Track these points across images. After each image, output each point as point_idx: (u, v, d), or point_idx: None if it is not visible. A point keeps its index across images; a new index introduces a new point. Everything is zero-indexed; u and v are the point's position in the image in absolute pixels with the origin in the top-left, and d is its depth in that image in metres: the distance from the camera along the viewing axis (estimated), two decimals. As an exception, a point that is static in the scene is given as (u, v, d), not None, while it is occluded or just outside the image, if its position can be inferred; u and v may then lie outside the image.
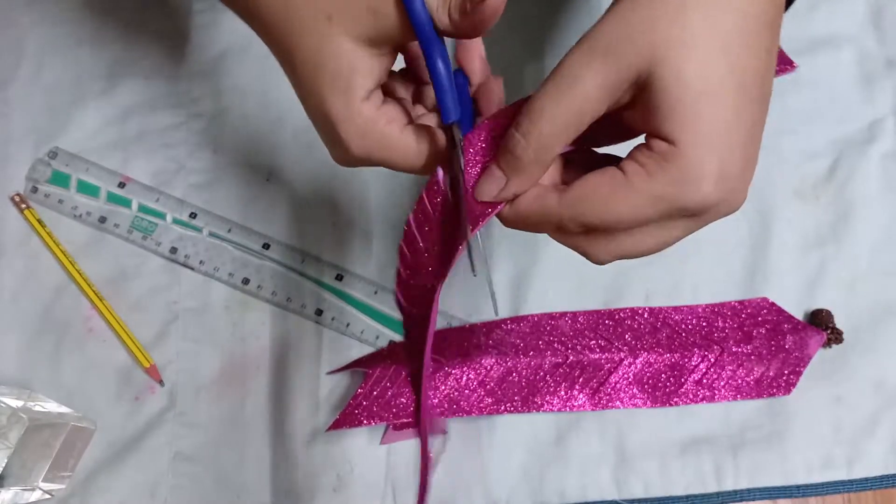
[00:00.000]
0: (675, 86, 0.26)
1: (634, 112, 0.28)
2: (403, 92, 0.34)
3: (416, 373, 0.35)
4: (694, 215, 0.28)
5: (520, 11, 0.51)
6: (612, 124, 0.29)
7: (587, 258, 0.30)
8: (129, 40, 0.53)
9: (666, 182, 0.27)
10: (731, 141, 0.27)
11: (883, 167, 0.50)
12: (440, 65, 0.29)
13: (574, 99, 0.27)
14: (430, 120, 0.33)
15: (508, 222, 0.31)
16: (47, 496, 0.44)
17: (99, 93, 0.52)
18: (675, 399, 0.46)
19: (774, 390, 0.46)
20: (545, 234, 0.31)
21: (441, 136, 0.31)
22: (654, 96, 0.26)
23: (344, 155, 0.31)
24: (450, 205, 0.32)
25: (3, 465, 0.41)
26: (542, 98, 0.28)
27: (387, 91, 0.32)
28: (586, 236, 0.29)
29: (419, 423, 0.34)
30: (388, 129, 0.30)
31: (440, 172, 0.31)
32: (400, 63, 0.33)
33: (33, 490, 0.43)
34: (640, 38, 0.26)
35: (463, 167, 0.31)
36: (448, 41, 0.30)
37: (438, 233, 0.32)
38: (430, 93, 0.35)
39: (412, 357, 0.36)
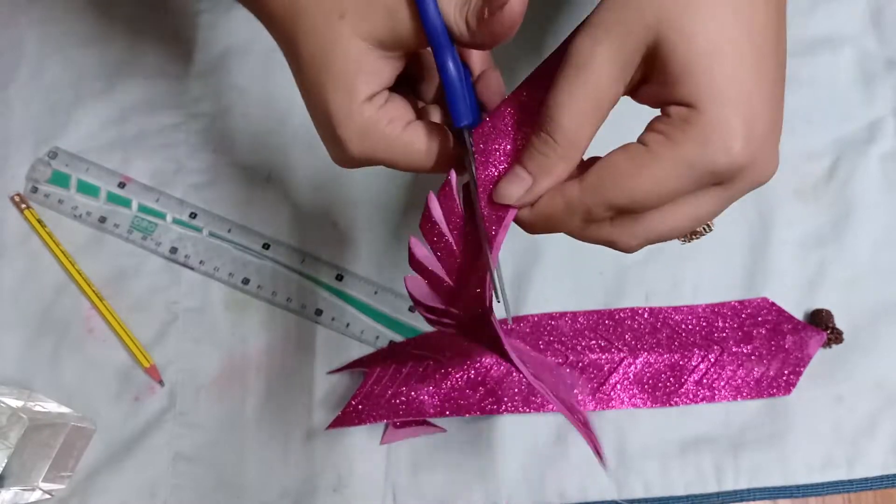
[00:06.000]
0: (686, 47, 0.25)
1: (649, 88, 0.27)
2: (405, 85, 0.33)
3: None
4: (724, 182, 0.27)
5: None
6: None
7: (615, 248, 0.29)
8: (129, 40, 0.54)
9: (691, 145, 0.25)
10: (754, 97, 0.26)
11: (883, 167, 0.50)
12: (451, 67, 0.28)
13: (589, 87, 0.26)
14: (433, 113, 0.32)
15: (531, 227, 0.30)
16: (47, 496, 0.44)
17: (99, 93, 0.52)
18: (675, 399, 0.46)
19: (774, 390, 0.46)
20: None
21: (447, 134, 0.30)
22: (665, 63, 0.26)
23: (343, 155, 0.30)
24: (460, 217, 0.30)
25: (3, 465, 0.41)
26: (557, 93, 0.27)
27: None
28: (612, 224, 0.28)
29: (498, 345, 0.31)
30: (390, 128, 0.29)
31: (453, 175, 0.30)
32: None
33: (33, 490, 0.43)
34: (643, 8, 0.26)
35: (474, 170, 0.29)
36: None
37: (455, 246, 0.30)
38: (430, 84, 0.33)
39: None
